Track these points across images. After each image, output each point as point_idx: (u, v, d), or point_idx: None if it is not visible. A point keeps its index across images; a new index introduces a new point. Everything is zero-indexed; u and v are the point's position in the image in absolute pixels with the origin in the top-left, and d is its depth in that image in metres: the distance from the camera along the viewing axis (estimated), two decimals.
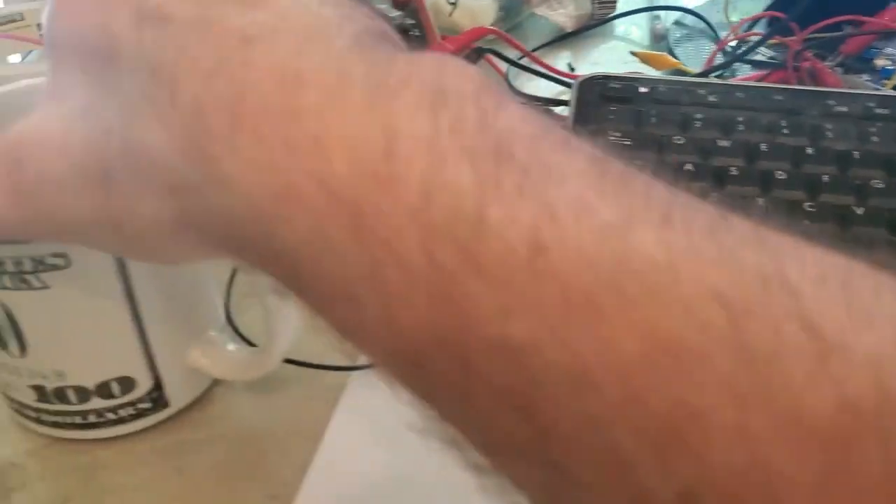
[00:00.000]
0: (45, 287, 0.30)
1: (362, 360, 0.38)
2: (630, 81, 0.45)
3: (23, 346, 0.31)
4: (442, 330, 0.16)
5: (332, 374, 0.38)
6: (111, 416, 0.34)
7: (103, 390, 0.33)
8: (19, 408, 0.34)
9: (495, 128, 0.18)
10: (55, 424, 0.34)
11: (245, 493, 0.34)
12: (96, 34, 0.21)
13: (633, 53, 0.59)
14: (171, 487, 0.34)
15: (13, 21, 0.63)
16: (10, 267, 0.29)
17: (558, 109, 0.54)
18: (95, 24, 0.21)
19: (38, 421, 0.34)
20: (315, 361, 0.38)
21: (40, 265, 0.29)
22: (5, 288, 0.29)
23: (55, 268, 0.29)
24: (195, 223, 0.20)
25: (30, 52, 0.66)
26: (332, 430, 0.35)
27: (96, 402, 0.33)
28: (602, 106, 0.44)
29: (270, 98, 0.18)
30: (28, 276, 0.29)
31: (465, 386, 0.17)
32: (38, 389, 0.33)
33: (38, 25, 0.63)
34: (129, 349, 0.33)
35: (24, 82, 0.33)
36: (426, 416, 0.19)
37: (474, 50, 0.57)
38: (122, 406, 0.34)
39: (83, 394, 0.33)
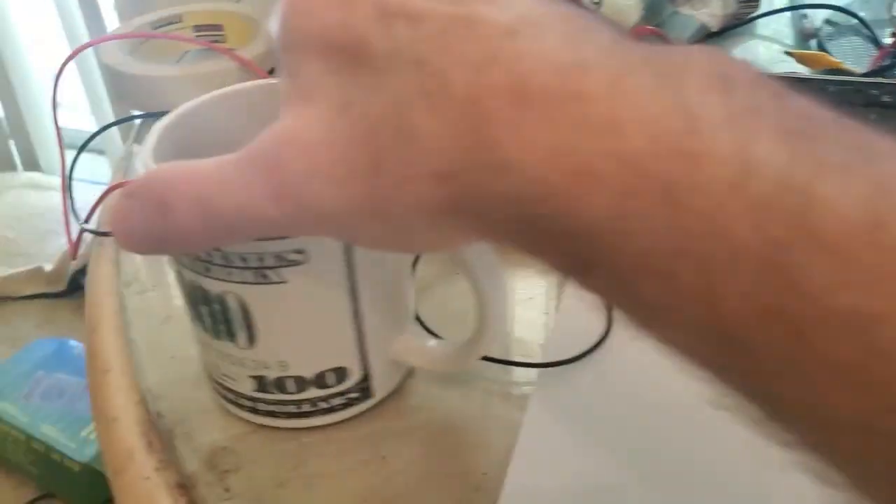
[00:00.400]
0: (283, 282, 0.31)
1: (551, 357, 0.39)
2: (802, 81, 0.45)
3: (252, 338, 0.33)
4: (770, 301, 0.17)
5: (519, 368, 0.39)
6: (323, 405, 0.35)
7: (320, 380, 0.35)
8: (234, 397, 0.36)
9: (792, 109, 0.19)
10: (270, 413, 0.36)
11: (449, 484, 0.35)
12: (339, 34, 0.22)
13: (789, 53, 0.58)
14: (377, 474, 0.35)
15: (172, 23, 0.65)
16: (253, 263, 0.30)
17: None
18: (335, 25, 0.22)
19: (254, 410, 0.36)
20: (501, 357, 0.39)
21: (282, 261, 0.30)
22: (245, 283, 0.31)
23: (294, 263, 0.31)
24: (465, 208, 0.21)
25: (186, 52, 0.68)
26: (529, 423, 0.36)
27: (312, 392, 0.35)
28: None
29: (552, 84, 0.19)
30: (268, 272, 0.31)
31: (793, 359, 0.17)
32: (259, 380, 0.34)
33: (195, 27, 0.66)
34: (346, 340, 0.34)
35: (217, 93, 0.35)
36: (726, 392, 0.19)
37: None
38: (334, 395, 0.35)
39: (301, 383, 0.35)
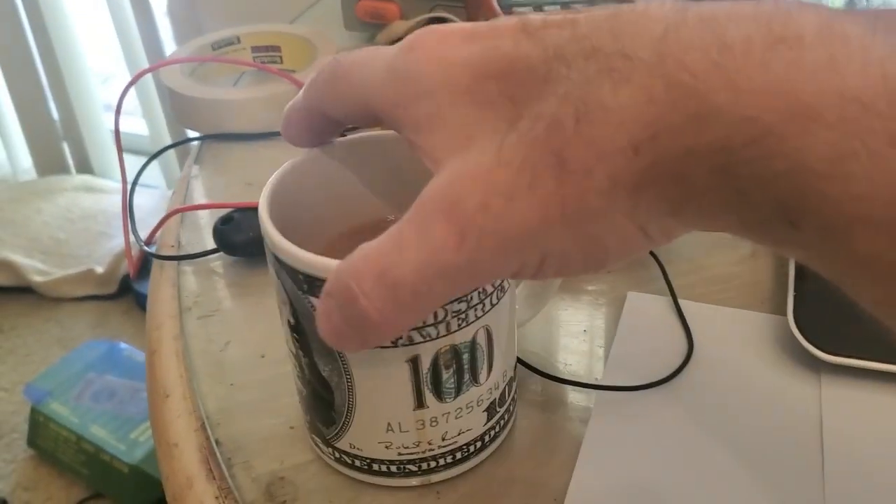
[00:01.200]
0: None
1: (605, 380, 0.39)
2: None
3: (490, 367, 0.33)
4: None
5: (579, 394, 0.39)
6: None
7: None
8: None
9: None
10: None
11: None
12: (488, 63, 0.23)
13: None
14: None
15: (230, 44, 0.66)
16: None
17: None
18: (479, 57, 0.23)
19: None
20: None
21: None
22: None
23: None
24: (664, 175, 0.21)
25: (243, 73, 0.69)
26: (588, 444, 0.37)
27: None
28: None
29: (754, 33, 0.19)
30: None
31: None
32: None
33: (253, 48, 0.67)
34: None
35: (370, 134, 0.35)
36: None
37: None
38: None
39: None
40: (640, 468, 0.36)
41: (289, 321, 0.32)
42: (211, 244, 0.49)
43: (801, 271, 0.42)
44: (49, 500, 1.32)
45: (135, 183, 0.58)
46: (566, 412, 0.39)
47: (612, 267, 0.26)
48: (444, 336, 0.30)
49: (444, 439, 0.34)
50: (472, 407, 0.34)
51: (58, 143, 2.03)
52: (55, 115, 2.00)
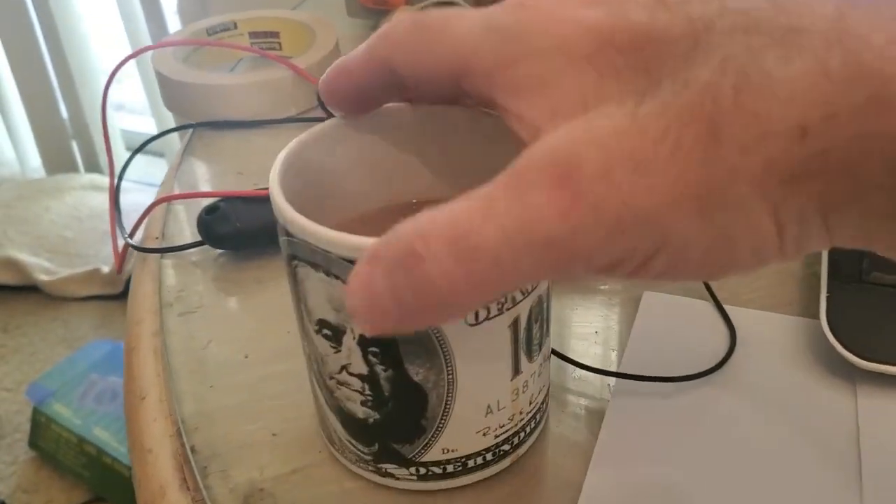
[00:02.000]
0: None
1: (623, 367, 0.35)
2: None
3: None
4: None
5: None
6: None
7: None
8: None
9: None
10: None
11: None
12: (618, 29, 0.21)
13: None
14: None
15: (227, 30, 0.63)
16: None
17: None
18: (609, 23, 0.21)
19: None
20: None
21: None
22: None
23: None
24: (830, 165, 0.18)
25: (240, 60, 0.66)
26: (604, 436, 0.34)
27: None
28: None
29: None
30: None
31: None
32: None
33: (251, 34, 0.64)
34: None
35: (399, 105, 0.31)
36: None
37: None
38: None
39: None
40: (658, 467, 0.33)
41: (361, 335, 0.28)
42: (197, 236, 0.46)
43: (834, 270, 0.38)
44: (49, 503, 1.30)
45: (121, 176, 0.55)
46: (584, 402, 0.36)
47: (723, 276, 0.22)
48: (535, 287, 0.28)
49: (530, 403, 0.32)
50: (547, 359, 0.32)
51: (67, 142, 2.02)
52: (64, 113, 1.99)
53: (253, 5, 0.66)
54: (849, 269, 0.38)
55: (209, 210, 0.45)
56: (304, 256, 0.27)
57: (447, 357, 0.28)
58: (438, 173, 0.33)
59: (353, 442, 0.32)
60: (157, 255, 0.48)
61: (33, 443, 1.34)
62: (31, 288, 1.66)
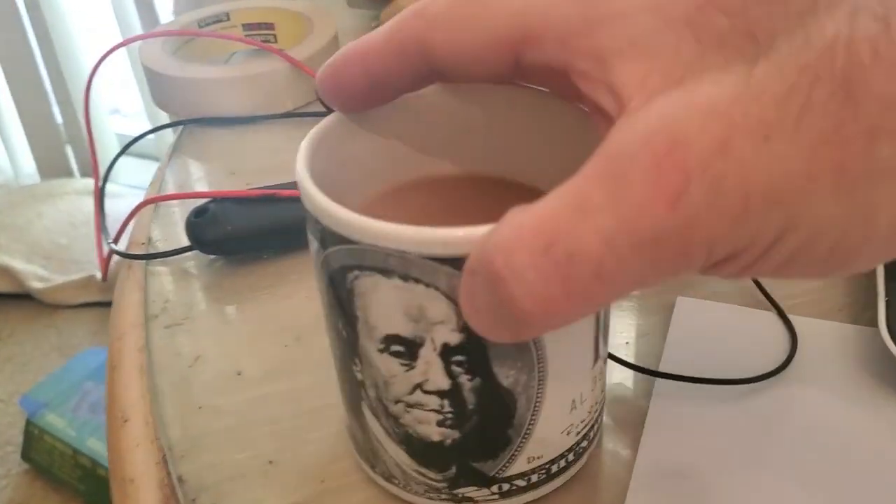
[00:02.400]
0: None
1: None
2: None
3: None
4: None
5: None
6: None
7: None
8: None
9: None
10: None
11: None
12: None
13: None
14: None
15: (219, 21, 0.60)
16: None
17: None
18: None
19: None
20: None
21: None
22: None
23: None
24: None
25: (233, 53, 0.63)
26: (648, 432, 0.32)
27: None
28: None
29: None
30: None
31: None
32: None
33: (245, 26, 0.60)
34: None
35: None
36: None
37: None
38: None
39: None
40: (705, 470, 0.30)
41: (445, 344, 0.24)
42: (187, 241, 0.42)
43: (892, 273, 0.34)
44: None
45: (106, 178, 0.51)
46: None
47: (846, 270, 0.19)
48: None
49: (602, 391, 0.30)
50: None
51: (61, 147, 1.98)
52: (58, 118, 1.95)
53: None
54: None
55: (198, 212, 0.41)
56: (372, 264, 0.23)
57: (539, 351, 0.25)
58: (474, 149, 0.30)
59: (424, 471, 0.28)
60: (142, 263, 0.44)
61: (26, 455, 1.31)
62: (25, 296, 1.63)
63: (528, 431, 0.27)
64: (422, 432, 0.27)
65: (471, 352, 0.24)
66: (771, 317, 0.36)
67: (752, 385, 0.33)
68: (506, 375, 0.25)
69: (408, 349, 0.25)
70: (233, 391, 0.36)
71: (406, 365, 0.25)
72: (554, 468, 0.29)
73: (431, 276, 0.23)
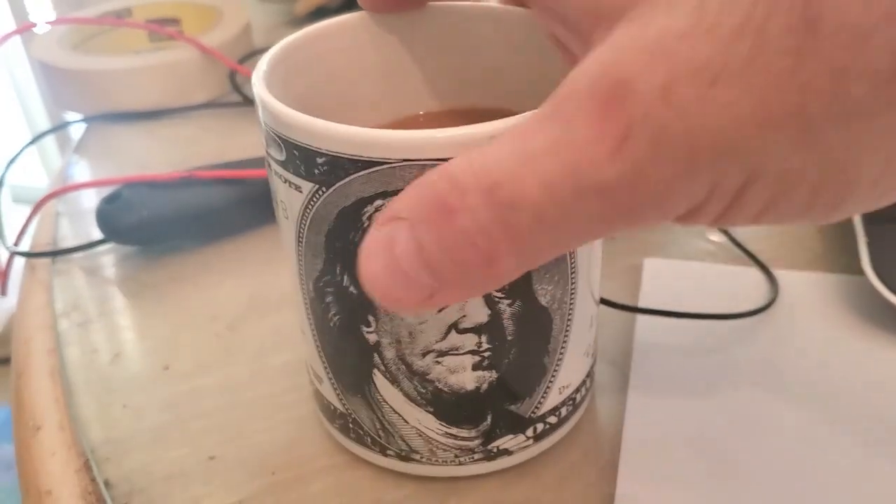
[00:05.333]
0: None
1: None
2: None
3: None
4: None
5: None
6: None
7: None
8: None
9: None
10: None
11: None
12: None
13: None
14: None
15: (120, 17, 0.56)
16: None
17: None
18: None
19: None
20: None
21: None
22: None
23: None
24: None
25: (139, 51, 0.59)
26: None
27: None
28: None
29: None
30: None
31: None
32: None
33: (147, 22, 0.56)
34: None
35: (331, 22, 0.27)
36: None
37: None
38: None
39: None
40: (695, 414, 0.29)
41: None
42: (97, 235, 0.38)
43: (868, 215, 0.33)
44: None
45: (2, 176, 0.46)
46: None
47: (839, 215, 0.17)
48: None
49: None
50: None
51: None
52: None
53: None
54: (886, 210, 0.33)
55: (110, 199, 0.37)
56: (403, 185, 0.20)
57: (573, 260, 0.24)
58: (460, 82, 0.29)
59: (454, 431, 0.26)
60: (47, 261, 0.39)
61: None
62: None
63: (560, 357, 0.26)
64: (454, 383, 0.25)
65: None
66: (746, 270, 0.34)
67: (736, 323, 0.31)
68: (544, 293, 0.24)
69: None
70: (160, 387, 0.32)
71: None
72: (578, 397, 0.28)
73: None
